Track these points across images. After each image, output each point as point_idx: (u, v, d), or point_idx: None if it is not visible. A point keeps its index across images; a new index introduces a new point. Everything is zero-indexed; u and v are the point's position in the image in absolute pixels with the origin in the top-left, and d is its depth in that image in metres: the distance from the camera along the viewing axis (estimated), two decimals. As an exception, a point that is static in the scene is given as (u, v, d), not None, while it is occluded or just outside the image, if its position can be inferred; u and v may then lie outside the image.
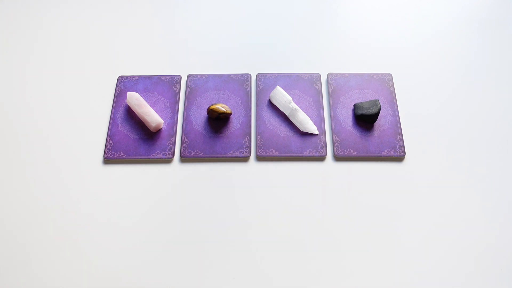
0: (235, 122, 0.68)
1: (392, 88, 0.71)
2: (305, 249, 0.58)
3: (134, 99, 0.68)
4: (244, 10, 0.82)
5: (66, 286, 0.56)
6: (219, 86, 0.72)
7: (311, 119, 0.68)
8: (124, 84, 0.72)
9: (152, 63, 0.75)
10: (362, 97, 0.70)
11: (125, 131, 0.67)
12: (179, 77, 0.73)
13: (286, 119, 0.68)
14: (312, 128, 0.67)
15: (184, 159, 0.66)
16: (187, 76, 0.73)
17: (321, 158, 0.65)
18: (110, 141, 0.66)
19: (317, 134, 0.67)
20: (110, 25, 0.80)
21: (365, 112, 0.67)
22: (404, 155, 0.65)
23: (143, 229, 0.60)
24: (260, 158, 0.66)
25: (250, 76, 0.73)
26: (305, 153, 0.65)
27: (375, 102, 0.67)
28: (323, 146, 0.66)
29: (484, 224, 0.60)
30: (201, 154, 0.65)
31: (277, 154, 0.65)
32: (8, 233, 0.60)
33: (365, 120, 0.67)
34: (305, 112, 0.69)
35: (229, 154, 0.65)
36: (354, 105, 0.69)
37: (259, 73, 0.73)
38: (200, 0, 0.83)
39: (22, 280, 0.56)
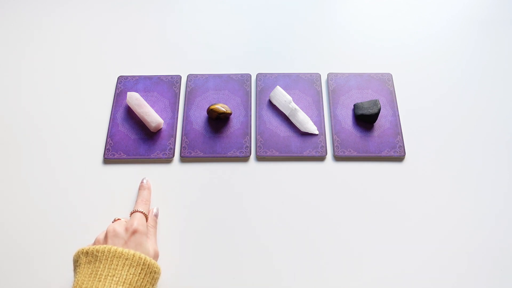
0: (235, 122, 0.68)
1: (392, 88, 0.71)
2: (305, 249, 0.58)
3: (134, 99, 0.68)
4: (244, 10, 0.82)
5: (66, 287, 0.56)
6: (219, 86, 0.72)
7: (311, 119, 0.68)
8: (124, 84, 0.72)
9: (152, 63, 0.75)
10: (362, 97, 0.70)
11: (125, 131, 0.67)
12: (179, 77, 0.73)
13: (286, 119, 0.68)
14: (312, 128, 0.67)
15: (184, 159, 0.66)
16: (187, 76, 0.73)
17: (321, 158, 0.65)
18: (110, 141, 0.66)
19: (317, 134, 0.67)
20: (110, 25, 0.80)
21: (365, 112, 0.67)
22: (404, 155, 0.65)
23: (143, 229, 0.60)
24: (260, 158, 0.66)
25: (250, 76, 0.73)
26: (305, 153, 0.65)
27: (375, 102, 0.67)
28: (323, 146, 0.66)
29: (485, 224, 0.60)
30: (201, 154, 0.65)
31: (277, 154, 0.65)
32: (7, 233, 0.60)
33: (365, 120, 0.67)
34: (305, 112, 0.69)
35: (229, 154, 0.65)
36: (354, 105, 0.69)
37: (259, 73, 0.73)
38: (200, 0, 0.83)
39: (22, 280, 0.56)
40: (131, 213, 0.55)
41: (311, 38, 0.78)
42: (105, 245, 0.49)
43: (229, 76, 0.73)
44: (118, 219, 0.55)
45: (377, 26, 0.79)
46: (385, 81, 0.72)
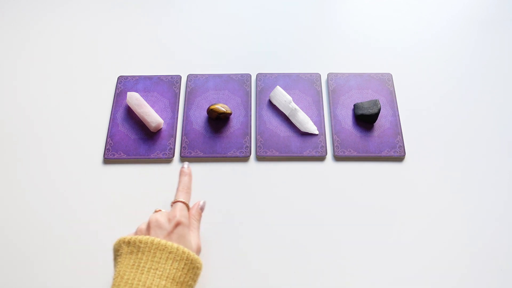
0: (235, 122, 0.68)
1: (392, 88, 0.71)
2: (305, 249, 0.58)
3: (134, 99, 0.68)
4: (244, 10, 0.82)
5: (66, 287, 0.56)
6: (219, 86, 0.72)
7: (311, 119, 0.68)
8: (124, 84, 0.72)
9: (152, 63, 0.75)
10: (362, 97, 0.70)
11: (125, 131, 0.67)
12: (179, 77, 0.73)
13: (286, 119, 0.68)
14: (312, 128, 0.67)
15: (184, 159, 0.66)
16: (187, 76, 0.73)
17: (321, 158, 0.65)
18: (110, 141, 0.66)
19: (317, 134, 0.67)
20: (110, 25, 0.80)
21: (365, 112, 0.67)
22: (404, 155, 0.65)
23: (143, 229, 0.60)
24: (260, 158, 0.66)
25: (250, 76, 0.73)
26: (305, 153, 0.65)
27: (375, 102, 0.67)
28: (323, 146, 0.66)
29: (484, 224, 0.60)
30: (201, 154, 0.65)
31: (277, 154, 0.65)
32: (7, 233, 0.60)
33: (365, 120, 0.67)
34: (305, 112, 0.69)
35: (229, 154, 0.65)
36: (354, 105, 0.69)
37: (259, 73, 0.73)
38: (200, 0, 0.83)
39: (23, 281, 0.56)
40: (172, 203, 0.53)
41: (311, 38, 0.78)
42: (148, 236, 0.47)
43: (229, 76, 0.73)
44: (159, 210, 0.52)
45: (377, 26, 0.79)
46: (385, 81, 0.72)
